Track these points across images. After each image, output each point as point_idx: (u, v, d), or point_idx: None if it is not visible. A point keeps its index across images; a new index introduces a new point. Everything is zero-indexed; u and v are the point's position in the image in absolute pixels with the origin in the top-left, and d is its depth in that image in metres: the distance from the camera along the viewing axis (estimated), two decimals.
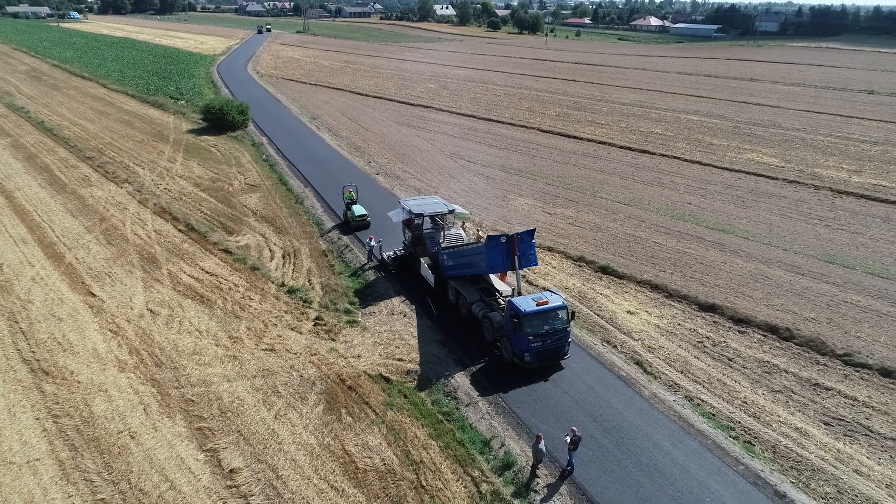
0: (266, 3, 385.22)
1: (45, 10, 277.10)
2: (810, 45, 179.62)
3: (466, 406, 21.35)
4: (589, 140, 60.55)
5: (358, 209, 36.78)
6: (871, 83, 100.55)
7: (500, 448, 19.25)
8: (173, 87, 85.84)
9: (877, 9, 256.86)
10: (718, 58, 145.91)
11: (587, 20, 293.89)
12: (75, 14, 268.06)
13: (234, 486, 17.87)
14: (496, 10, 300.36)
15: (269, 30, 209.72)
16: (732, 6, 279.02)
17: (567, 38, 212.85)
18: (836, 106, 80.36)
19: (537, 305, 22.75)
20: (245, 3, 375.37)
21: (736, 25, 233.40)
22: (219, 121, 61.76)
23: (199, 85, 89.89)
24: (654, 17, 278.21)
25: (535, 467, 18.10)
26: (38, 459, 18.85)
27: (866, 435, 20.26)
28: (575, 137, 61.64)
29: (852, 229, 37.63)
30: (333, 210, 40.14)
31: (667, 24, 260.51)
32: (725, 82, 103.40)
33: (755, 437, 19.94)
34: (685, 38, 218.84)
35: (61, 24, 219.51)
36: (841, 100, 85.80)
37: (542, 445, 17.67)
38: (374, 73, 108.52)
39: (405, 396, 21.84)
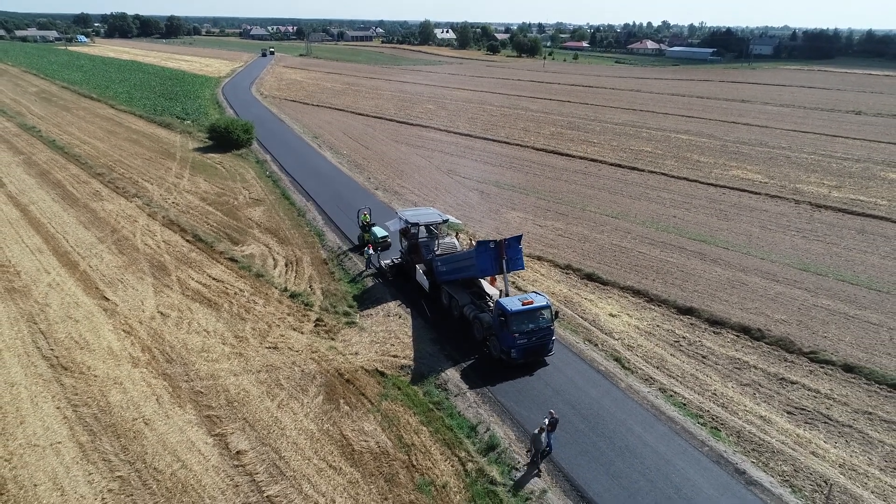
0: (269, 28, 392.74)
1: (53, 34, 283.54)
2: (803, 68, 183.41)
3: (456, 396, 23.04)
4: (581, 158, 62.77)
5: (379, 231, 36.72)
6: (859, 104, 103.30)
7: (486, 432, 20.91)
8: (179, 108, 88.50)
9: (869, 32, 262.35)
10: (712, 80, 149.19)
11: (585, 44, 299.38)
12: (83, 38, 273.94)
13: (241, 466, 19.47)
14: (496, 34, 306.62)
15: (272, 53, 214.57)
16: (728, 30, 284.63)
17: (565, 61, 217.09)
18: (823, 126, 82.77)
19: (523, 305, 24.51)
20: (249, 28, 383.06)
21: (731, 49, 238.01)
22: (224, 139, 64.01)
23: (204, 106, 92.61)
24: (650, 41, 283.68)
25: (530, 452, 19.46)
26: (59, 442, 20.48)
27: (825, 422, 21.88)
28: (567, 155, 63.88)
29: (828, 240, 39.50)
30: (334, 222, 42.10)
31: (663, 47, 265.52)
32: (717, 103, 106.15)
33: (722, 424, 21.57)
34: (681, 61, 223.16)
35: (69, 48, 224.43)
36: (828, 120, 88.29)
37: (543, 437, 18.84)
38: (375, 95, 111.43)
39: (399, 388, 23.52)
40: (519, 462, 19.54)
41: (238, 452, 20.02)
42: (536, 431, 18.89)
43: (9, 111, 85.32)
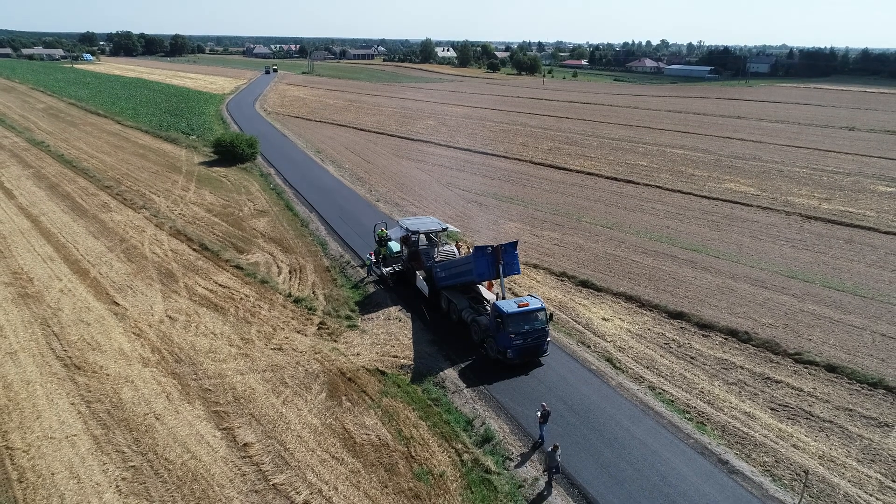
0: (272, 46, 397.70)
1: (59, 52, 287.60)
2: (799, 86, 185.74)
3: (453, 393, 24.06)
4: (578, 171, 64.17)
5: (395, 245, 36.79)
6: (853, 120, 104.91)
7: (482, 426, 21.90)
8: (185, 124, 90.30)
9: (865, 51, 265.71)
10: (709, 97, 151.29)
11: (584, 62, 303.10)
12: (88, 56, 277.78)
13: (248, 457, 20.43)
14: (496, 53, 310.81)
15: (275, 70, 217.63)
16: (726, 48, 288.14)
17: (564, 78, 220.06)
18: (816, 141, 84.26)
19: (519, 307, 25.60)
20: (252, 46, 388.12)
21: (729, 67, 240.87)
22: (229, 153, 65.52)
23: (209, 121, 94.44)
24: (649, 59, 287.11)
25: (545, 470, 19.25)
26: (75, 435, 21.46)
27: (807, 418, 22.83)
28: (564, 169, 65.31)
29: (816, 249, 40.62)
30: (336, 232, 43.32)
31: (661, 65, 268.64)
32: (713, 119, 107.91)
33: (707, 419, 22.54)
34: (679, 78, 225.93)
35: (75, 66, 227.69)
36: (822, 135, 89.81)
37: (558, 454, 18.80)
38: (377, 111, 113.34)
39: (399, 386, 24.55)
40: (513, 453, 20.51)
41: (245, 444, 20.99)
42: (550, 449, 18.75)
43: (17, 127, 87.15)
